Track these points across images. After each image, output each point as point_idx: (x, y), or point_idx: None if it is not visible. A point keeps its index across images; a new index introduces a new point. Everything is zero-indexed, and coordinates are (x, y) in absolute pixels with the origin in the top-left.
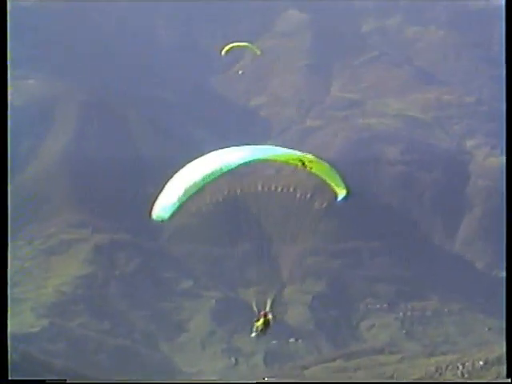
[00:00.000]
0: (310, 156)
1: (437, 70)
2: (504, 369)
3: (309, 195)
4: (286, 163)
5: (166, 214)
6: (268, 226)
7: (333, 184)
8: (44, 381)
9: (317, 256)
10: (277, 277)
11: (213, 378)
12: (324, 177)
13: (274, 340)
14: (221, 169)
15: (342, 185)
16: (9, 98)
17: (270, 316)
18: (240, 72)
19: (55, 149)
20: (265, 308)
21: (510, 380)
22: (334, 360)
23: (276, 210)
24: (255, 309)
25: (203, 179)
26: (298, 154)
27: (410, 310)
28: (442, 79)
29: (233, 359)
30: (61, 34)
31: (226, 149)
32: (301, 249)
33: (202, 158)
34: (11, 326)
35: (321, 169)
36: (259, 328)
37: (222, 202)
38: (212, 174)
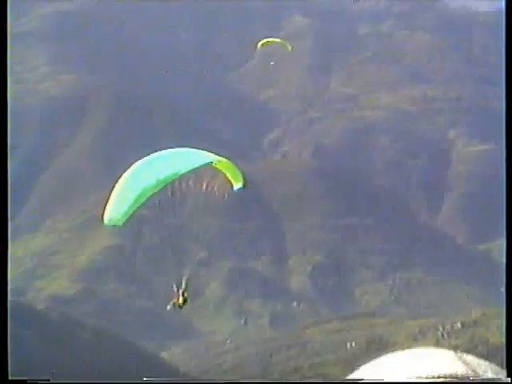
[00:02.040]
0: (217, 157)
1: (423, 69)
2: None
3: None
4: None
5: (119, 221)
6: (274, 205)
7: (232, 177)
8: (44, 381)
9: (317, 231)
10: (281, 250)
11: (225, 337)
12: (227, 172)
13: (278, 304)
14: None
15: (240, 178)
16: (49, 89)
17: (186, 294)
18: (272, 63)
19: (89, 134)
20: (181, 287)
21: (510, 380)
22: (330, 322)
23: (278, 193)
24: (175, 288)
25: (144, 190)
26: (210, 157)
27: (398, 279)
28: (428, 77)
29: (242, 320)
30: (96, 36)
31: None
32: (303, 225)
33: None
34: (51, 289)
35: (225, 166)
36: (179, 304)
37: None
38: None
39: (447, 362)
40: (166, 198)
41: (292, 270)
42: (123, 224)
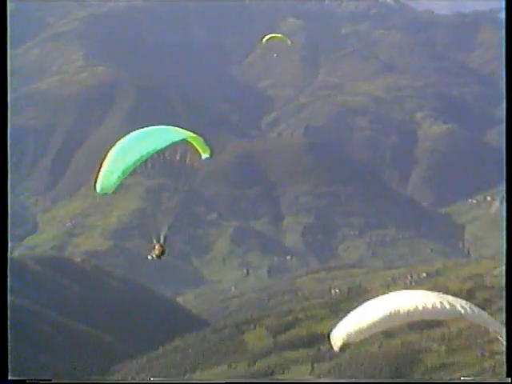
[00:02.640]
0: (189, 133)
1: (395, 63)
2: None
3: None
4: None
5: (109, 189)
6: (271, 175)
7: (200, 148)
8: (44, 381)
9: (307, 196)
10: (277, 212)
11: (230, 285)
12: (197, 145)
13: (275, 257)
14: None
15: (207, 150)
16: (85, 79)
17: (164, 247)
18: (275, 55)
19: (117, 116)
20: (159, 241)
21: (510, 380)
22: (318, 272)
23: (275, 164)
24: (154, 241)
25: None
26: (184, 133)
27: (374, 236)
28: (399, 69)
29: (245, 271)
30: (123, 35)
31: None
32: (295, 191)
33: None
34: (86, 246)
35: (195, 140)
36: (156, 254)
37: (239, 158)
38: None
39: (448, 299)
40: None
41: (286, 229)
42: (113, 192)
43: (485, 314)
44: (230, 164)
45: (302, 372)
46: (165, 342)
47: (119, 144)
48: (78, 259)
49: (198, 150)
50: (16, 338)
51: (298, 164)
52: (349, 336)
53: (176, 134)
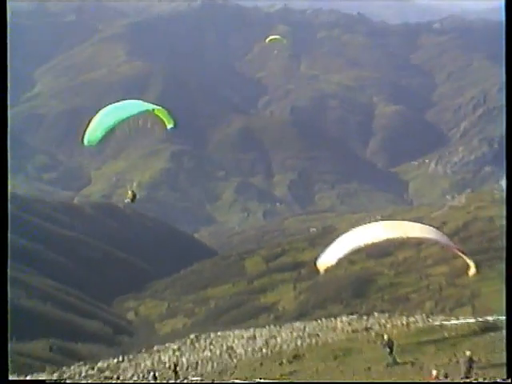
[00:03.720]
0: (157, 106)
1: (359, 59)
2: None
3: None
4: (148, 113)
5: (93, 143)
6: (265, 143)
7: (165, 119)
8: (44, 381)
9: (292, 159)
10: (270, 171)
11: (234, 225)
12: (162, 116)
13: (268, 205)
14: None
15: (171, 121)
16: (125, 71)
17: (135, 193)
18: (275, 52)
19: (151, 99)
20: (132, 188)
21: (510, 380)
22: (300, 215)
23: (268, 136)
24: (128, 188)
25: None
26: (151, 106)
27: (343, 189)
28: (362, 64)
29: (245, 214)
30: (155, 37)
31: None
32: (283, 156)
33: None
34: (120, 196)
35: (162, 113)
36: (130, 198)
37: (241, 130)
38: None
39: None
40: (198, 138)
41: (276, 183)
42: (96, 144)
43: (433, 233)
44: (234, 134)
45: (287, 289)
46: (185, 267)
47: (102, 111)
48: (121, 205)
49: (164, 121)
50: (76, 261)
51: (285, 135)
52: (331, 261)
53: (147, 105)
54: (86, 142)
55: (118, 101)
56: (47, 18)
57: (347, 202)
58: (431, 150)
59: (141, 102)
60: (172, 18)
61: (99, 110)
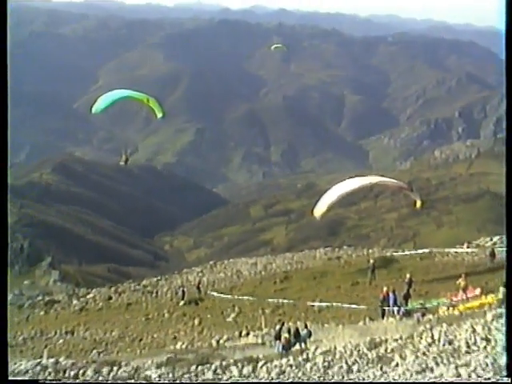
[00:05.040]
0: (147, 96)
1: (332, 62)
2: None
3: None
4: (140, 100)
5: (97, 112)
6: (265, 121)
7: (156, 110)
8: (44, 382)
9: (284, 134)
10: (267, 143)
11: (242, 182)
12: (153, 107)
13: (265, 168)
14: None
15: (161, 110)
16: (160, 68)
17: (127, 156)
18: (272, 47)
19: (178, 92)
20: (126, 154)
21: (510, 380)
22: (289, 176)
23: (266, 116)
24: (123, 153)
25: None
26: (143, 94)
27: (320, 158)
28: (335, 66)
29: (250, 174)
30: (186, 45)
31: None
32: (277, 132)
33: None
34: (163, 160)
35: (152, 103)
36: (124, 161)
37: (246, 113)
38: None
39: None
40: (215, 118)
41: (272, 152)
42: (101, 112)
43: (392, 181)
44: (242, 115)
45: (280, 229)
46: (206, 213)
47: (109, 92)
48: (159, 167)
49: (154, 111)
50: (126, 208)
51: (279, 116)
52: (323, 209)
53: (143, 95)
54: (93, 110)
55: (155, 92)
56: (107, 32)
57: (324, 166)
58: (385, 129)
59: (139, 92)
60: (197, 31)
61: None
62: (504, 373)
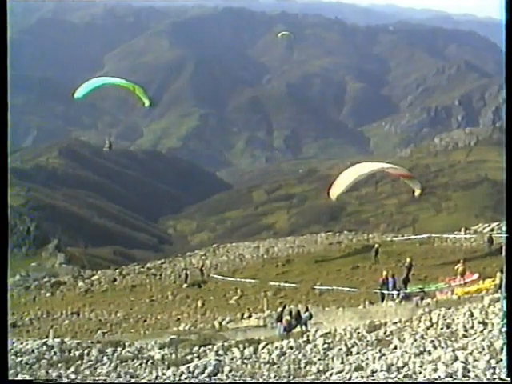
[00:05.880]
0: (134, 85)
1: (334, 50)
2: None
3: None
4: (127, 87)
5: (80, 98)
6: (267, 106)
7: (143, 98)
8: (50, 380)
9: (287, 120)
10: (270, 128)
11: (245, 167)
12: (140, 95)
13: (268, 152)
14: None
15: (147, 99)
16: (167, 56)
17: (111, 142)
18: (279, 35)
19: (182, 79)
20: (109, 139)
21: (510, 380)
22: (291, 160)
23: (269, 100)
24: (106, 140)
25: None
26: (129, 83)
27: (321, 142)
28: (336, 53)
29: (253, 159)
30: (190, 33)
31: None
32: (279, 116)
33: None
34: (168, 144)
35: (138, 91)
36: (108, 147)
37: (250, 99)
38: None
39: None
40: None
41: (275, 137)
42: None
43: (399, 168)
44: (245, 101)
45: (282, 214)
46: (209, 196)
47: (94, 79)
48: (164, 151)
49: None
50: (132, 191)
51: (282, 102)
52: (342, 189)
53: (129, 83)
54: (75, 96)
55: (160, 78)
56: (114, 19)
57: (326, 151)
58: (386, 116)
59: (123, 80)
60: (202, 19)
61: (150, 84)
62: (504, 372)
